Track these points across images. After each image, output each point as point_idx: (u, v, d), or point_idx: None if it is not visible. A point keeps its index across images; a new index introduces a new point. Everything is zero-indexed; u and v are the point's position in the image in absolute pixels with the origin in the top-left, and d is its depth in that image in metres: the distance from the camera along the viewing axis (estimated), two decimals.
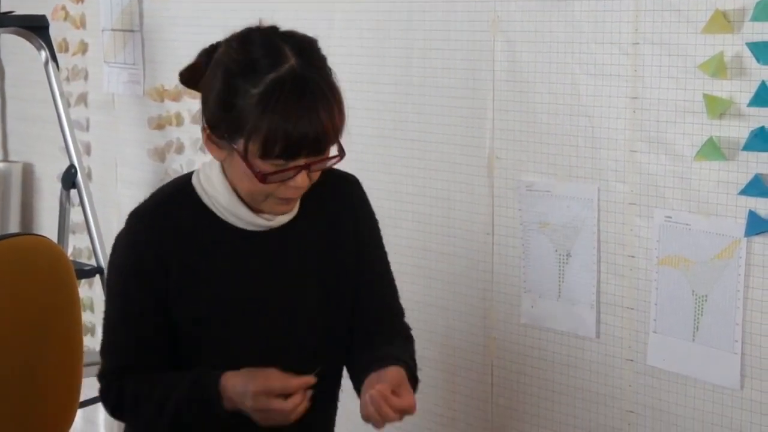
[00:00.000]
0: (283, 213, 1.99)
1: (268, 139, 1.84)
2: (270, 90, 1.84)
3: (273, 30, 1.95)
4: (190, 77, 2.01)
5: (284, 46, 1.90)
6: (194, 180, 2.02)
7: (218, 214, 1.99)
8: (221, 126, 1.89)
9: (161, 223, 1.99)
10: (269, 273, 2.02)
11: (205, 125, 1.93)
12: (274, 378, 1.91)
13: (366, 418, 1.93)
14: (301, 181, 1.90)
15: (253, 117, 1.83)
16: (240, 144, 1.86)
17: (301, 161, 1.88)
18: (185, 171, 3.69)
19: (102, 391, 2.08)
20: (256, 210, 1.98)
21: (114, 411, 2.09)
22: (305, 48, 1.92)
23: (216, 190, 1.98)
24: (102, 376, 2.08)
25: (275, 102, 1.83)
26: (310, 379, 1.91)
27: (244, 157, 1.86)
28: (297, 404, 1.89)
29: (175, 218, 1.99)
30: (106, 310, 2.09)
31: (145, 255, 1.98)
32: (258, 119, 1.83)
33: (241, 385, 1.91)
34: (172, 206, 2.01)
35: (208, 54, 1.97)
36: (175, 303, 1.99)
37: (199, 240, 1.99)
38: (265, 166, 1.87)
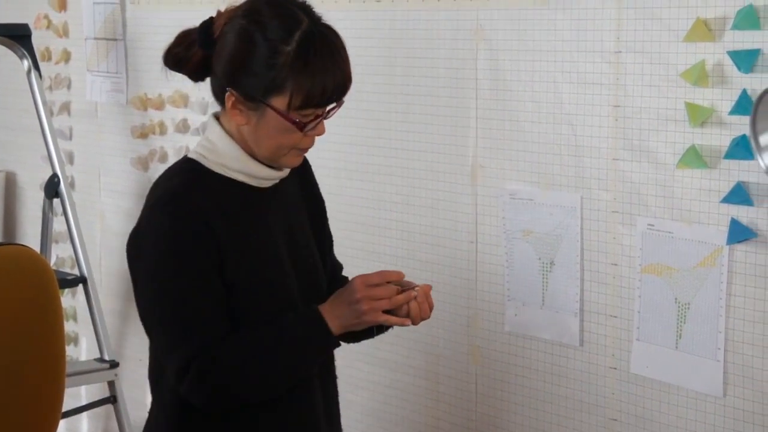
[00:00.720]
0: (297, 164, 2.13)
1: (310, 90, 1.98)
2: (302, 46, 1.98)
3: None
4: (185, 57, 2.07)
5: (292, 7, 2.03)
6: (196, 157, 2.09)
7: (232, 176, 2.08)
8: (257, 87, 1.99)
9: (194, 198, 2.04)
10: (284, 224, 2.15)
11: (233, 92, 2.00)
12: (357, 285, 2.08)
13: (407, 314, 2.11)
14: (322, 128, 2.07)
15: (293, 72, 1.97)
16: (278, 100, 1.98)
17: (324, 110, 2.05)
18: None
19: (192, 380, 2.00)
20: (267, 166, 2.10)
21: (215, 393, 2.02)
22: (308, 8, 2.05)
23: (226, 156, 2.07)
24: (185, 367, 2.00)
25: (312, 56, 1.98)
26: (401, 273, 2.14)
27: (283, 111, 1.99)
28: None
29: (202, 190, 2.05)
30: (158, 303, 2.03)
31: (194, 224, 2.01)
32: (298, 74, 1.97)
33: (344, 302, 2.06)
34: (194, 183, 2.06)
35: (205, 31, 2.04)
36: (224, 264, 2.04)
37: (227, 204, 2.06)
38: (298, 117, 2.01)
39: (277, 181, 2.13)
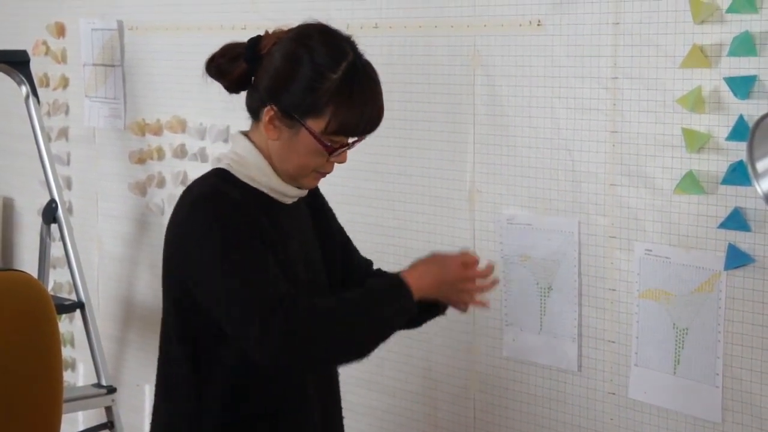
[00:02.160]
0: (314, 186, 2.24)
1: (348, 119, 2.09)
2: (347, 76, 2.08)
3: (320, 23, 2.18)
4: (228, 69, 2.16)
5: (341, 39, 2.14)
6: (225, 167, 2.16)
7: (261, 189, 2.15)
8: (297, 106, 2.08)
9: (233, 194, 2.10)
10: (300, 240, 2.22)
11: (273, 107, 2.09)
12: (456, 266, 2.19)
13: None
14: (345, 157, 2.18)
15: (335, 99, 2.07)
16: (314, 122, 2.08)
17: (353, 139, 2.15)
18: (167, 205, 3.69)
19: (281, 323, 1.98)
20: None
21: (301, 338, 2.00)
22: (353, 42, 2.15)
23: (253, 168, 2.14)
24: (268, 315, 1.98)
25: (355, 87, 2.09)
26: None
27: (317, 133, 2.08)
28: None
29: (238, 192, 2.12)
30: (225, 281, 2.03)
31: (239, 213, 2.07)
32: (340, 102, 2.07)
33: (438, 279, 2.15)
34: (230, 185, 2.12)
35: (253, 47, 2.14)
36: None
37: (257, 212, 2.12)
38: (329, 142, 2.10)
39: (296, 199, 2.21)
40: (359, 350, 2.09)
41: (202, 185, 2.14)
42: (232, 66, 2.15)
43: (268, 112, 2.11)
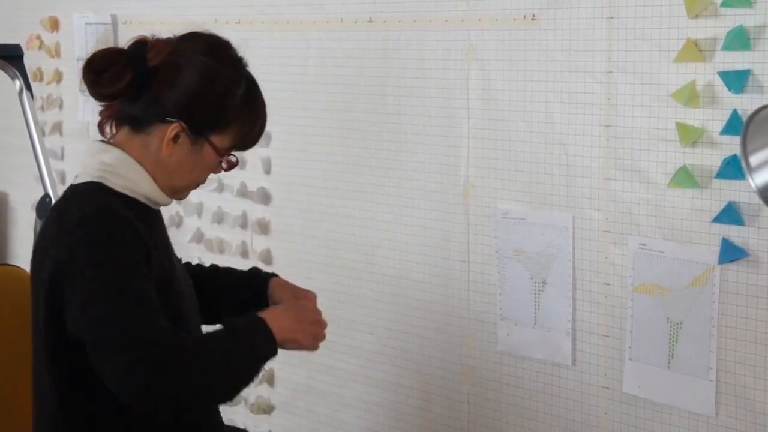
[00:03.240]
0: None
1: (248, 134, 2.12)
2: (249, 91, 2.11)
3: (213, 34, 2.14)
4: (113, 90, 2.06)
5: (235, 51, 2.13)
6: (98, 179, 2.07)
7: (140, 199, 2.10)
8: (206, 124, 2.07)
9: (119, 210, 2.02)
10: (170, 243, 2.22)
11: (182, 124, 2.05)
12: (312, 307, 2.24)
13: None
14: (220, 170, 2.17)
15: (239, 115, 2.09)
16: (218, 139, 2.08)
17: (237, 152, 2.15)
18: None
19: (152, 364, 1.88)
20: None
21: (168, 382, 1.90)
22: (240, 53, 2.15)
23: (131, 180, 2.08)
24: (142, 355, 1.88)
25: (254, 101, 2.12)
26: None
27: (220, 149, 2.09)
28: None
29: (121, 210, 2.03)
30: (103, 305, 1.92)
31: (126, 231, 1.99)
32: (244, 117, 2.09)
33: (292, 322, 2.11)
34: (111, 199, 2.04)
35: (141, 57, 2.06)
36: (150, 271, 2.03)
37: (139, 223, 2.04)
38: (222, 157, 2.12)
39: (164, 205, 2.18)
40: (224, 396, 2.03)
41: (84, 202, 2.03)
42: (119, 75, 2.04)
43: (174, 128, 2.05)
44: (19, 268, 2.49)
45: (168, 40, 2.09)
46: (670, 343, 2.40)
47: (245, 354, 2.00)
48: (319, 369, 3.22)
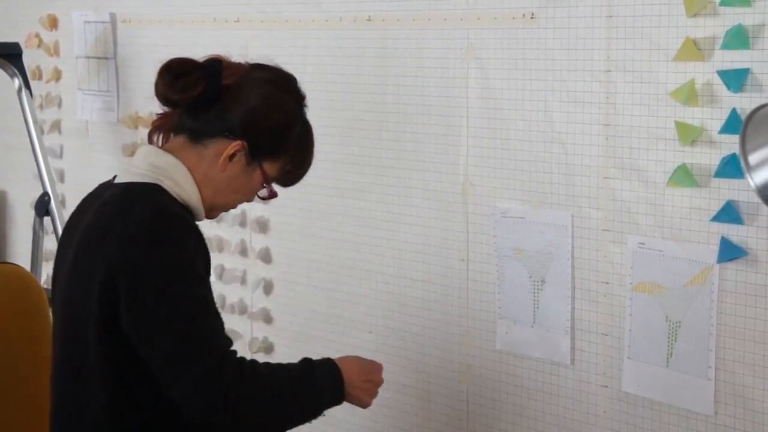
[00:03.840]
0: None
1: (297, 168, 2.21)
2: (305, 130, 2.21)
3: (282, 68, 2.23)
4: (184, 96, 2.12)
5: (299, 87, 2.22)
6: (154, 181, 2.10)
7: (191, 209, 2.14)
8: (265, 149, 2.14)
9: (184, 214, 2.08)
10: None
11: (243, 144, 2.12)
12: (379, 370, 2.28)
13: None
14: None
15: (293, 149, 2.18)
16: (269, 166, 2.16)
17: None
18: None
19: (230, 375, 1.99)
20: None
21: (249, 387, 2.01)
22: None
23: (188, 192, 2.12)
24: (225, 354, 2.00)
25: (308, 140, 2.21)
26: None
27: (269, 177, 2.17)
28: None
29: (185, 214, 2.09)
30: (177, 315, 1.98)
31: (195, 238, 2.06)
32: (295, 152, 2.19)
33: (361, 378, 2.21)
34: (175, 207, 2.08)
35: (215, 74, 2.13)
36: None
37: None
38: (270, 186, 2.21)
39: None
40: (281, 427, 2.11)
41: (149, 202, 2.05)
42: (193, 84, 2.11)
43: (234, 146, 2.11)
44: (18, 266, 2.49)
45: (242, 65, 2.18)
46: (668, 341, 2.40)
47: (313, 395, 2.12)
48: None
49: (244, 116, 2.11)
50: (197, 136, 2.13)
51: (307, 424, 2.24)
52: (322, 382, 2.14)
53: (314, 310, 3.23)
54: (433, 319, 2.91)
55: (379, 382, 2.27)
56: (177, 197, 2.10)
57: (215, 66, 2.13)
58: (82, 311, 2.04)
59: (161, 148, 2.17)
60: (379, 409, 3.07)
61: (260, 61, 2.22)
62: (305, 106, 2.22)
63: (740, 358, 2.29)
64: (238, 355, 2.04)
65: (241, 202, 2.23)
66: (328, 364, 2.17)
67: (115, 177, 2.19)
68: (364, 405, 2.25)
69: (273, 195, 2.22)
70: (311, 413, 2.14)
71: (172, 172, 2.10)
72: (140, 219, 2.02)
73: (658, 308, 2.41)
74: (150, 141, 2.21)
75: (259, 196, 2.23)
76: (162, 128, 2.20)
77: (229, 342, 2.04)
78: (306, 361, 2.16)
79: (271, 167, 2.16)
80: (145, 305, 1.98)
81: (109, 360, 2.02)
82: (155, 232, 2.00)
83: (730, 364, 2.31)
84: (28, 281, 2.44)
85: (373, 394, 2.26)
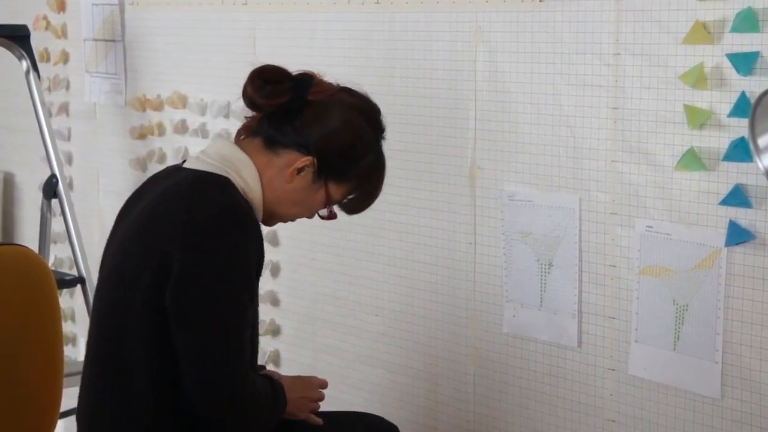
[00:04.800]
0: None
1: (359, 197, 2.25)
2: (376, 161, 2.24)
3: (369, 98, 2.28)
4: (269, 102, 2.17)
5: (381, 119, 2.27)
6: (231, 178, 2.14)
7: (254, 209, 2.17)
8: (333, 170, 2.18)
9: (253, 215, 2.13)
10: None
11: (314, 161, 2.16)
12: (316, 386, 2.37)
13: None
14: None
15: (361, 177, 2.22)
16: (334, 188, 2.20)
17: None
18: None
19: (251, 387, 2.10)
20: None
21: (252, 408, 2.12)
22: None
23: (253, 191, 2.16)
24: (245, 374, 2.08)
25: (378, 173, 2.25)
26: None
27: (333, 198, 2.21)
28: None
29: (253, 212, 2.14)
30: (229, 312, 2.07)
31: (259, 240, 2.12)
32: (363, 181, 2.23)
33: (295, 396, 2.28)
34: (245, 203, 2.13)
35: (302, 88, 2.17)
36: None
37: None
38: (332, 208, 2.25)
39: None
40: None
41: (221, 195, 2.10)
42: (281, 92, 2.15)
43: (304, 161, 2.16)
44: (26, 247, 2.49)
45: (332, 85, 2.22)
46: (675, 325, 2.40)
47: (277, 412, 2.22)
48: (324, 350, 3.22)
49: (321, 134, 2.16)
50: (272, 143, 2.18)
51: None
52: (280, 406, 2.23)
53: (321, 292, 3.24)
54: (440, 302, 2.91)
55: (313, 398, 2.33)
56: (243, 193, 2.14)
57: (306, 80, 2.18)
58: (130, 287, 2.10)
59: (237, 144, 2.21)
60: (386, 392, 3.07)
61: (351, 86, 2.25)
62: (383, 138, 2.26)
63: (747, 341, 2.29)
64: (247, 373, 2.10)
65: (300, 217, 2.27)
66: (280, 387, 2.24)
67: (184, 161, 2.24)
68: (296, 417, 2.30)
69: (333, 216, 2.26)
70: (264, 428, 2.23)
71: (241, 168, 2.15)
72: (210, 211, 2.07)
73: (666, 292, 2.41)
74: (236, 138, 2.26)
75: (319, 215, 2.26)
76: (247, 129, 2.25)
77: (248, 351, 2.11)
78: (272, 385, 2.22)
79: (336, 190, 2.20)
80: (189, 293, 2.05)
81: (150, 335, 2.09)
82: (220, 226, 2.06)
83: (737, 348, 2.31)
84: (36, 263, 2.43)
85: (304, 408, 2.31)
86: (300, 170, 2.16)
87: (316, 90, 2.18)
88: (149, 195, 2.19)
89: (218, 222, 2.06)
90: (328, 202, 2.21)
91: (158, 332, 2.08)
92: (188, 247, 2.04)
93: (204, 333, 2.05)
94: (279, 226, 3.33)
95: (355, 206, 2.28)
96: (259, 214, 2.18)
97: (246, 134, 2.24)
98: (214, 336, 2.05)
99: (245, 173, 2.15)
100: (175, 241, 2.05)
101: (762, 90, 2.09)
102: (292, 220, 2.29)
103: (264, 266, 3.34)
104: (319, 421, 2.33)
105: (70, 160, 4.18)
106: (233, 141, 2.25)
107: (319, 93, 2.18)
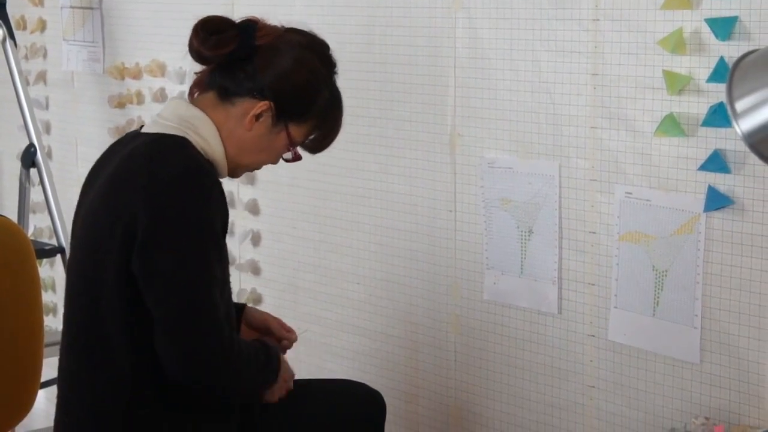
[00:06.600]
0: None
1: (322, 135, 2.24)
2: (334, 96, 2.22)
3: (316, 34, 2.26)
4: (216, 53, 2.15)
5: (331, 54, 2.24)
6: (189, 138, 2.12)
7: (215, 165, 2.16)
8: (292, 112, 2.16)
9: (214, 176, 2.12)
10: None
11: (271, 105, 2.14)
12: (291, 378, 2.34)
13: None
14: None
15: (320, 114, 2.20)
16: (295, 129, 2.18)
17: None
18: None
19: (225, 344, 2.07)
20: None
21: (233, 360, 2.09)
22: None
23: (213, 147, 2.15)
24: (220, 329, 2.05)
25: (338, 108, 2.24)
26: None
27: (294, 140, 2.19)
28: None
29: (213, 170, 2.13)
30: (191, 267, 2.04)
31: (222, 197, 2.10)
32: (323, 117, 2.21)
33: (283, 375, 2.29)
34: (204, 162, 2.12)
35: (249, 34, 2.15)
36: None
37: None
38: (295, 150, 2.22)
39: None
40: (243, 398, 2.23)
41: (179, 155, 2.08)
42: (225, 41, 2.13)
43: (261, 107, 2.14)
44: (5, 217, 2.48)
45: (276, 27, 2.19)
46: (655, 291, 2.41)
47: (268, 372, 2.21)
48: (306, 319, 3.23)
49: (273, 77, 2.14)
50: (226, 94, 2.16)
51: (297, 376, 2.30)
52: (270, 367, 2.22)
53: (302, 261, 3.24)
54: (421, 270, 2.91)
55: (288, 387, 2.31)
56: (202, 152, 2.12)
57: (250, 25, 2.15)
58: (100, 259, 2.09)
59: (191, 102, 2.19)
60: (367, 359, 3.08)
61: (295, 26, 2.23)
62: (336, 73, 2.23)
63: (726, 306, 2.30)
64: (227, 332, 2.08)
65: (265, 163, 2.26)
66: (274, 350, 2.25)
67: (142, 126, 2.23)
68: (273, 398, 2.28)
69: (297, 158, 2.24)
70: (258, 390, 2.24)
71: (199, 127, 2.14)
72: (169, 172, 2.05)
73: (645, 257, 2.41)
74: (189, 97, 2.24)
75: (283, 159, 2.25)
76: (199, 85, 2.22)
77: (224, 307, 2.08)
78: (265, 344, 2.23)
79: (296, 131, 2.19)
80: (154, 256, 2.03)
81: (124, 300, 2.08)
82: (181, 187, 2.04)
83: (716, 313, 2.32)
84: (14, 232, 2.42)
85: (285, 390, 2.30)
86: (258, 116, 2.15)
87: (261, 34, 2.15)
88: (111, 164, 2.18)
89: (178, 183, 2.04)
90: (290, 144, 2.20)
91: (133, 300, 2.07)
92: (151, 210, 2.03)
93: (173, 294, 2.03)
94: (259, 195, 3.33)
95: (317, 145, 2.27)
96: (223, 169, 2.17)
97: (199, 90, 2.22)
98: (184, 296, 2.03)
99: (203, 130, 2.14)
100: (139, 206, 2.03)
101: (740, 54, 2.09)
102: (258, 168, 2.28)
103: (244, 235, 3.37)
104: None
105: (48, 129, 4.16)
106: (187, 100, 2.23)
107: (266, 36, 2.15)
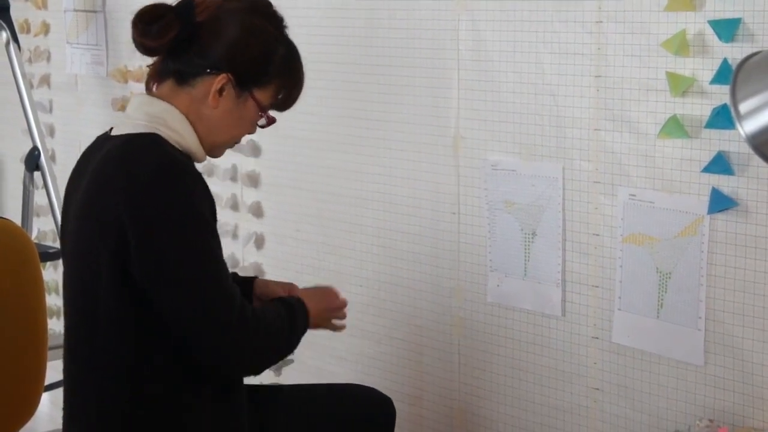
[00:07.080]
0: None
1: (287, 92, 2.21)
2: (290, 51, 2.19)
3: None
4: (161, 41, 2.12)
5: (276, 10, 2.21)
6: (160, 133, 2.10)
7: (192, 154, 2.15)
8: (252, 77, 2.14)
9: (189, 163, 2.11)
10: None
11: (229, 76, 2.12)
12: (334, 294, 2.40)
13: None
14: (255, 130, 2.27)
15: (281, 72, 2.17)
16: (260, 94, 2.16)
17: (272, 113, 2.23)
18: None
19: (251, 323, 2.07)
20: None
21: (256, 332, 2.09)
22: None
23: (185, 137, 2.13)
24: (241, 315, 2.06)
25: (296, 62, 2.21)
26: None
27: (263, 104, 2.17)
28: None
29: (190, 163, 2.12)
30: (195, 263, 2.03)
31: (203, 186, 2.09)
32: (285, 75, 2.18)
33: (319, 308, 2.31)
34: (179, 156, 2.10)
35: (187, 13, 2.12)
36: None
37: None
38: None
39: None
40: (274, 363, 2.24)
41: (152, 153, 2.06)
42: (167, 28, 2.11)
43: (220, 80, 2.11)
44: (9, 220, 2.48)
45: (213, 0, 2.15)
46: (659, 292, 2.41)
47: (298, 333, 2.22)
48: None
49: (223, 49, 2.12)
50: (183, 77, 2.14)
51: (293, 378, 2.29)
52: (300, 322, 2.23)
53: (305, 263, 3.24)
54: (425, 272, 2.91)
55: (336, 307, 2.35)
56: (176, 144, 2.11)
57: (186, 5, 2.12)
58: (93, 265, 2.07)
59: (153, 95, 2.16)
60: (371, 362, 3.08)
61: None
62: (285, 27, 2.20)
63: (730, 308, 2.30)
64: (249, 312, 2.09)
65: (242, 135, 2.24)
66: (300, 306, 2.24)
67: (111, 129, 2.19)
68: (332, 329, 2.37)
69: (272, 121, 2.22)
70: (291, 350, 2.22)
71: (167, 119, 2.11)
72: (145, 172, 2.03)
73: (649, 259, 2.41)
74: (147, 89, 2.21)
75: (258, 125, 2.23)
76: (155, 76, 2.19)
77: (236, 289, 2.08)
78: (287, 306, 2.22)
79: (262, 94, 2.17)
80: (157, 259, 2.02)
81: (120, 301, 2.06)
82: (161, 184, 2.02)
83: (720, 315, 2.32)
84: (19, 236, 2.42)
85: (331, 320, 2.35)
86: (221, 91, 2.12)
87: (200, 9, 2.12)
88: (87, 171, 2.14)
89: (156, 181, 2.02)
90: (260, 110, 2.18)
91: (129, 301, 2.05)
92: (135, 213, 2.01)
93: (184, 290, 2.02)
94: (262, 198, 3.33)
95: (286, 101, 2.23)
96: (201, 155, 2.16)
97: (156, 81, 2.19)
98: (196, 290, 2.02)
99: (172, 122, 2.11)
100: (120, 208, 2.01)
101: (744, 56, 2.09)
102: (238, 142, 2.26)
103: (248, 238, 3.36)
104: (343, 324, 2.39)
105: (52, 132, 4.16)
106: (148, 93, 2.20)
107: (205, 11, 2.12)
